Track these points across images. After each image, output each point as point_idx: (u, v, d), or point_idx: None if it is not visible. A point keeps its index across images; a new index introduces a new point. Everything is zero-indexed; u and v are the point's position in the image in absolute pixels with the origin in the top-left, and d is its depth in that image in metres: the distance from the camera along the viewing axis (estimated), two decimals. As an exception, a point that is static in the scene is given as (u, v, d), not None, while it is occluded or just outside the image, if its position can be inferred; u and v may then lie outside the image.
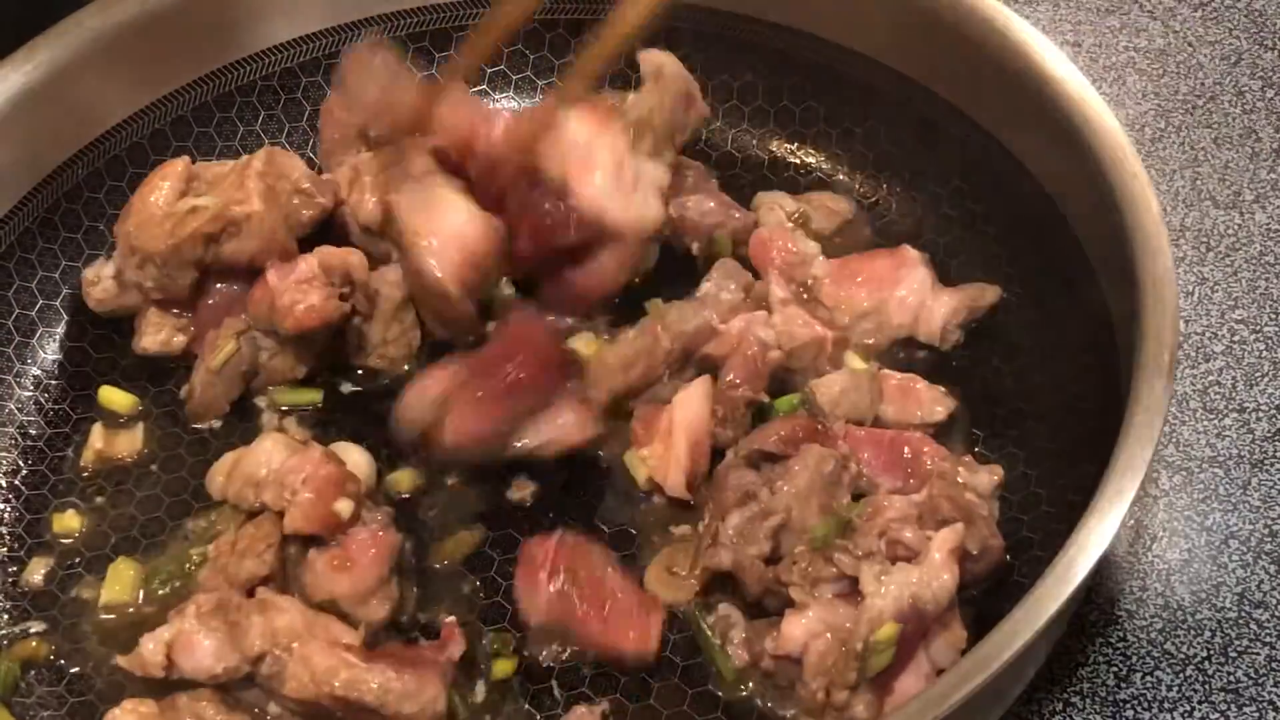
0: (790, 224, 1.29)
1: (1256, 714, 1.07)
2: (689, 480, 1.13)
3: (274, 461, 1.15)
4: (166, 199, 1.24)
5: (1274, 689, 1.08)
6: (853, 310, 1.23)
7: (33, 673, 1.12)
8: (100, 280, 1.27)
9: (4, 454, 1.24)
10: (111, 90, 1.31)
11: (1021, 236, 1.24)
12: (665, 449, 1.15)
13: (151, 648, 1.05)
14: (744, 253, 1.28)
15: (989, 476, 1.08)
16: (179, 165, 1.26)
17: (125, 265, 1.24)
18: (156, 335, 1.27)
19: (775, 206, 1.30)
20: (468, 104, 1.20)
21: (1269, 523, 1.16)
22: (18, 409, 1.27)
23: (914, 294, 1.22)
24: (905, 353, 1.23)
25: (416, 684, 1.03)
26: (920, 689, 1.00)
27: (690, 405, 1.15)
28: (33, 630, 1.14)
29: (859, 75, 1.33)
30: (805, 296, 1.23)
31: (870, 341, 1.22)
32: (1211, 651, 1.10)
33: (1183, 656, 1.10)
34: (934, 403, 1.17)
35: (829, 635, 1.01)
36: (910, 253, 1.24)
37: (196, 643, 1.05)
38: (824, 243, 1.28)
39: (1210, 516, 1.17)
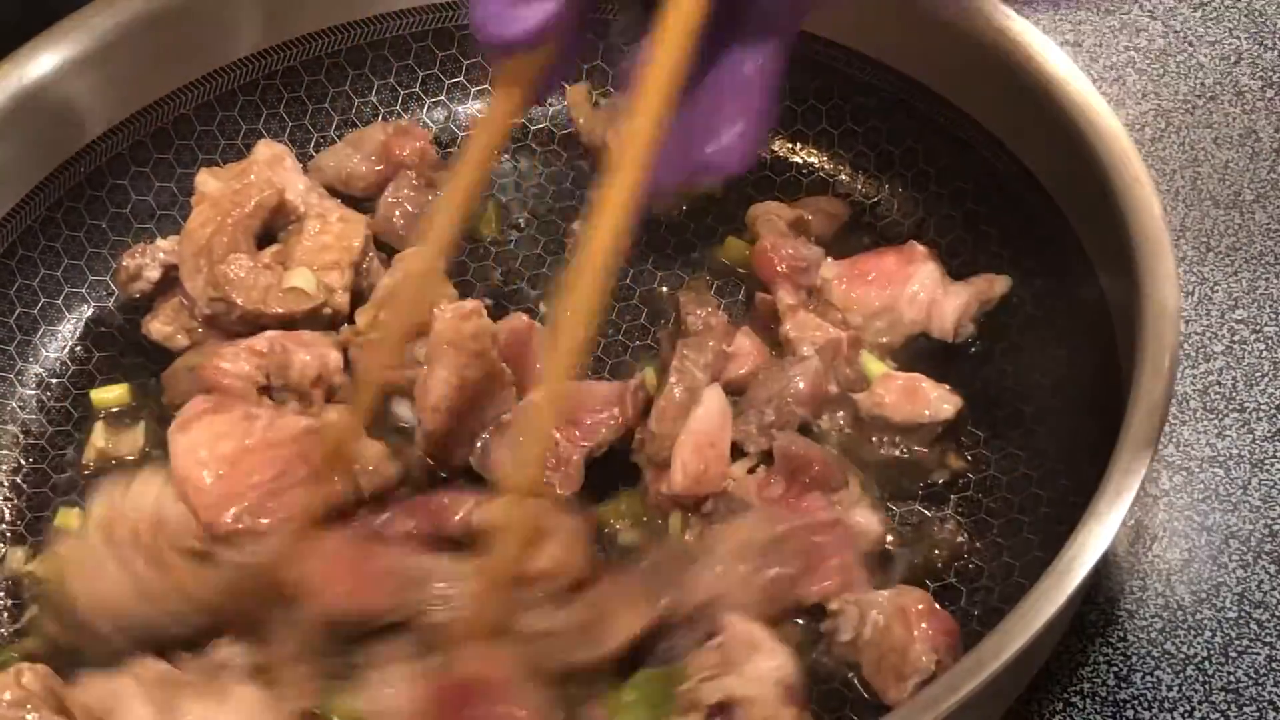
0: (791, 232, 1.28)
1: (1257, 714, 1.07)
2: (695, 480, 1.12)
3: None
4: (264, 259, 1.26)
5: (1274, 689, 1.08)
6: (864, 310, 1.22)
7: (33, 668, 1.12)
8: (140, 278, 1.28)
9: (5, 452, 1.24)
10: (114, 88, 1.31)
11: (1023, 236, 1.24)
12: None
13: None
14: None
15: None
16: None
17: (198, 295, 1.24)
18: (165, 326, 1.27)
19: (773, 216, 1.29)
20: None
21: (1269, 523, 1.17)
22: (19, 407, 1.27)
23: (925, 290, 1.21)
24: (909, 353, 1.23)
25: None
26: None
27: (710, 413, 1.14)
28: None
29: (860, 75, 1.33)
30: (813, 303, 1.23)
31: (884, 340, 1.22)
32: (1211, 651, 1.10)
33: (1183, 656, 1.10)
34: (941, 401, 1.16)
35: None
36: (918, 249, 1.23)
37: None
38: (825, 247, 1.27)
39: (1210, 516, 1.17)
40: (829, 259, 1.25)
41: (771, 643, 1.01)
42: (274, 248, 1.28)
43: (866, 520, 1.11)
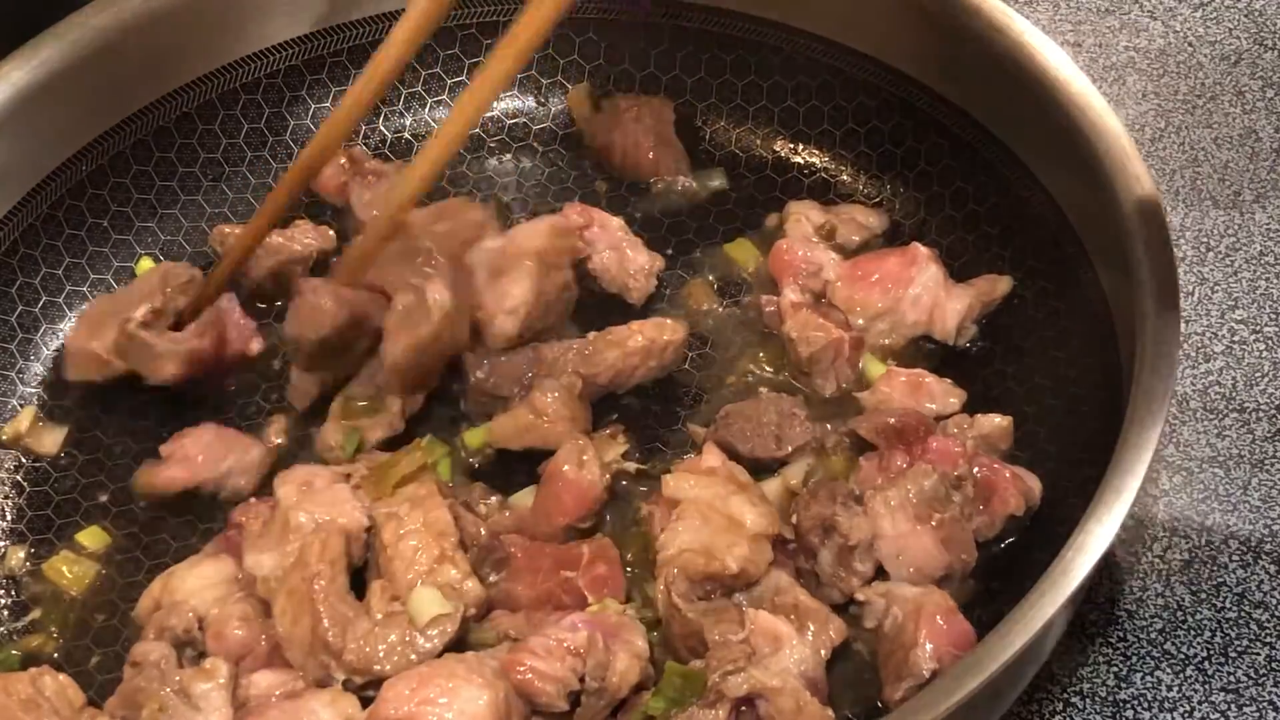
0: (816, 237, 1.28)
1: (1256, 714, 1.07)
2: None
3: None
4: None
5: (1274, 689, 1.08)
6: (867, 311, 1.23)
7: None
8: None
9: (6, 450, 1.24)
10: (115, 87, 1.31)
11: (1024, 237, 1.24)
12: None
13: None
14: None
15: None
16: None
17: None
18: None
19: (803, 218, 1.29)
20: None
21: (1269, 523, 1.17)
22: (20, 404, 1.27)
23: (927, 292, 1.22)
24: (911, 354, 1.24)
25: None
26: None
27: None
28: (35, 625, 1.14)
29: (862, 75, 1.33)
30: (821, 306, 1.24)
31: (886, 342, 1.23)
32: (1211, 651, 1.10)
33: (1183, 656, 1.10)
34: (946, 395, 1.17)
35: None
36: (920, 250, 1.23)
37: None
38: (845, 254, 1.28)
39: (1210, 516, 1.17)
40: (833, 257, 1.26)
41: (795, 636, 1.02)
42: (378, 583, 1.09)
43: (988, 426, 1.13)
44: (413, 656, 1.04)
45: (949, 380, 1.19)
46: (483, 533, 1.12)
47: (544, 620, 1.06)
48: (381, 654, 1.04)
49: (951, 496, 1.09)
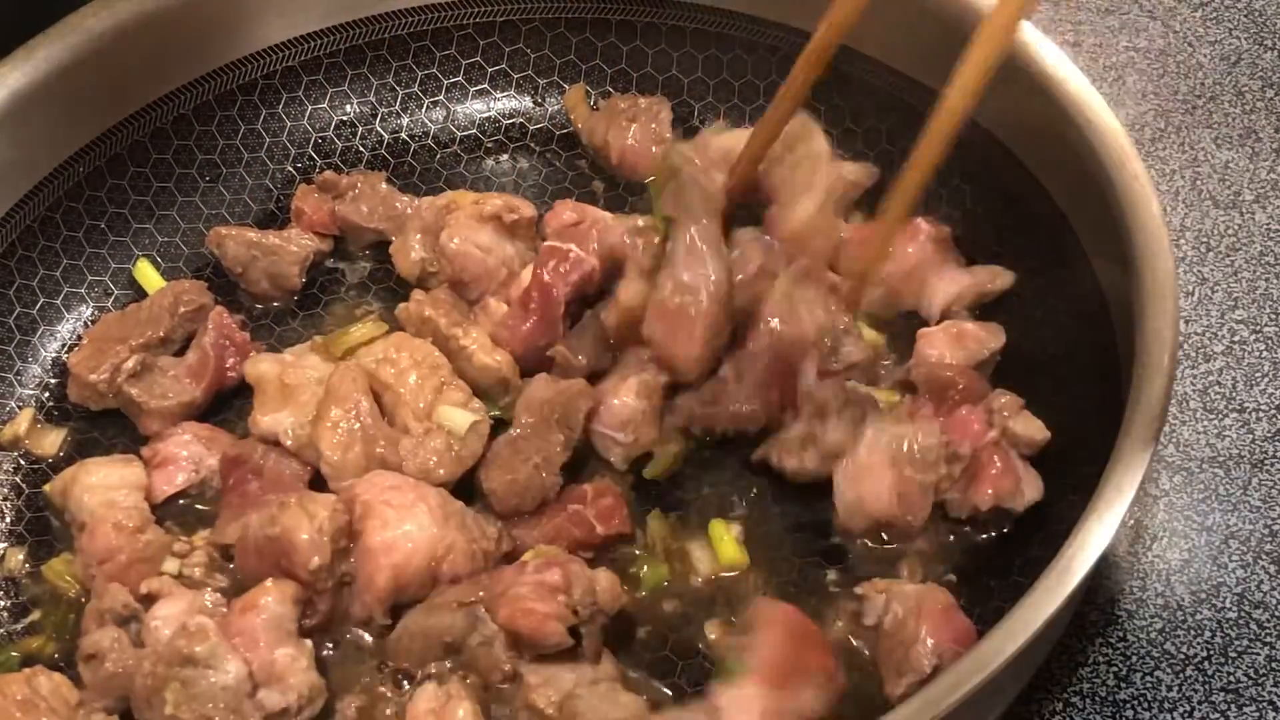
0: None
1: (1256, 714, 1.07)
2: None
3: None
4: None
5: (1274, 689, 1.08)
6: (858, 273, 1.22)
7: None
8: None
9: (5, 452, 1.24)
10: (112, 89, 1.31)
11: (1022, 235, 1.24)
12: None
13: None
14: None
15: None
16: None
17: None
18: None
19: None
20: None
21: (1269, 523, 1.17)
22: (18, 406, 1.27)
23: (919, 269, 1.22)
24: (900, 327, 1.24)
25: None
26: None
27: None
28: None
29: (860, 74, 1.33)
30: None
31: (878, 311, 1.23)
32: (1211, 651, 1.10)
33: (1183, 656, 1.10)
34: (988, 338, 1.19)
35: None
36: (922, 226, 1.24)
37: None
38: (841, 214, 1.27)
39: (1210, 516, 1.17)
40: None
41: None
42: (400, 410, 1.19)
43: (1025, 427, 1.13)
44: (462, 455, 1.14)
45: (986, 324, 1.21)
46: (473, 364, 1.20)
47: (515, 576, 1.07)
48: (434, 462, 1.14)
49: (939, 466, 1.09)
